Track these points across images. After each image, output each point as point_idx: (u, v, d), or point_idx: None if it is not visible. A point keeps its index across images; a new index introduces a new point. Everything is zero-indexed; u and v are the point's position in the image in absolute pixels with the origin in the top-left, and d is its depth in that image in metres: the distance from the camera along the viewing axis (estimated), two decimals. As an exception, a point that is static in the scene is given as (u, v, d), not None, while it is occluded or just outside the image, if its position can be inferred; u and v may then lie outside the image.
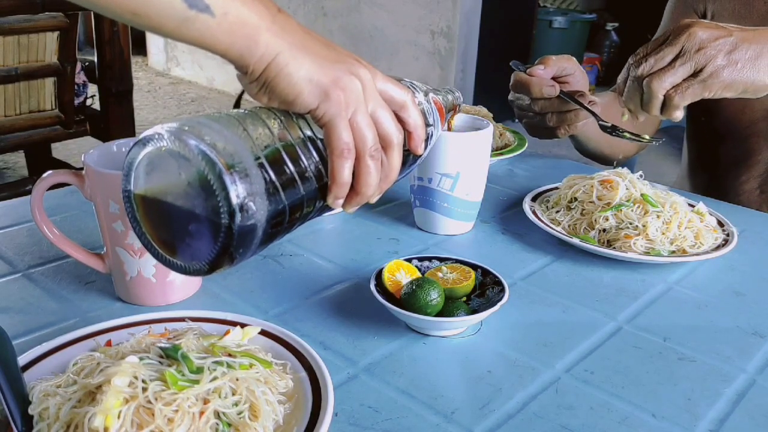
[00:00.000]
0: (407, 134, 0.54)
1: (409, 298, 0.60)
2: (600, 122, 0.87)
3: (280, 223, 0.45)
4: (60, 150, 2.92)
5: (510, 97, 0.95)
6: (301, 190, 0.46)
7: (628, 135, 0.85)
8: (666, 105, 0.76)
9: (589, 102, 0.90)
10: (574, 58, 0.94)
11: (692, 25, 0.75)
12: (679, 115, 0.77)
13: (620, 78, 0.80)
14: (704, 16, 1.11)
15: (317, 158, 0.48)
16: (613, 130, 0.86)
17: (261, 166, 0.43)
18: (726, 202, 0.98)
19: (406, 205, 0.89)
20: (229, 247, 0.42)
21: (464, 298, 0.64)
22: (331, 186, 0.48)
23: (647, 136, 0.87)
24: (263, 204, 0.42)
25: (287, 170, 0.45)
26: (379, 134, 0.50)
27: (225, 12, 0.44)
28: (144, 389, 0.43)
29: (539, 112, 0.92)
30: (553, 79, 0.90)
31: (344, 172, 0.48)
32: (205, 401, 0.44)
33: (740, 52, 0.74)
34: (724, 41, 0.74)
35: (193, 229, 0.43)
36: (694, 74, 0.74)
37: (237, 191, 0.41)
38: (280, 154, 0.45)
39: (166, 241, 0.45)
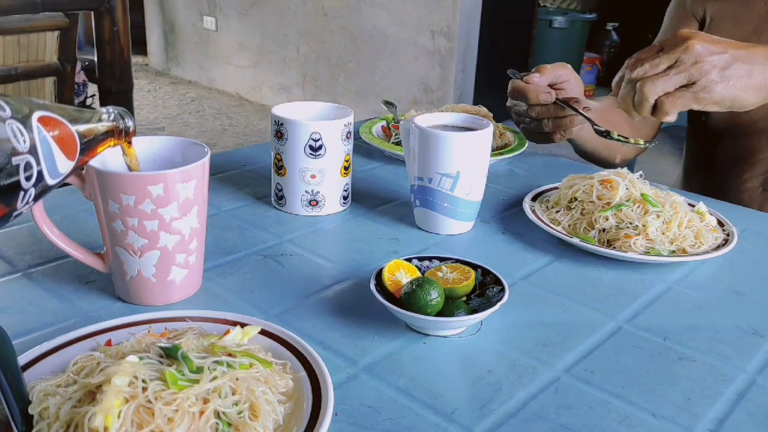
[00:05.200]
0: None
1: (409, 298, 0.60)
2: (594, 126, 0.90)
3: None
4: (60, 150, 2.91)
5: (508, 103, 0.99)
6: None
7: (621, 138, 0.87)
8: (657, 109, 0.78)
9: (584, 108, 0.92)
10: (569, 65, 0.97)
11: (691, 37, 0.76)
12: (671, 118, 0.79)
13: (615, 79, 0.82)
14: (704, 20, 1.12)
15: None
16: (606, 134, 0.89)
17: None
18: (726, 202, 0.98)
19: (406, 205, 0.89)
20: None
21: (464, 298, 0.64)
22: None
23: (642, 141, 0.91)
24: None
25: None
26: None
27: None
28: (144, 389, 0.43)
29: (536, 118, 0.95)
30: (549, 86, 0.93)
31: None
32: (205, 401, 0.44)
33: (733, 70, 0.76)
34: (719, 57, 0.75)
35: None
36: (687, 86, 0.76)
37: None
38: None
39: None
